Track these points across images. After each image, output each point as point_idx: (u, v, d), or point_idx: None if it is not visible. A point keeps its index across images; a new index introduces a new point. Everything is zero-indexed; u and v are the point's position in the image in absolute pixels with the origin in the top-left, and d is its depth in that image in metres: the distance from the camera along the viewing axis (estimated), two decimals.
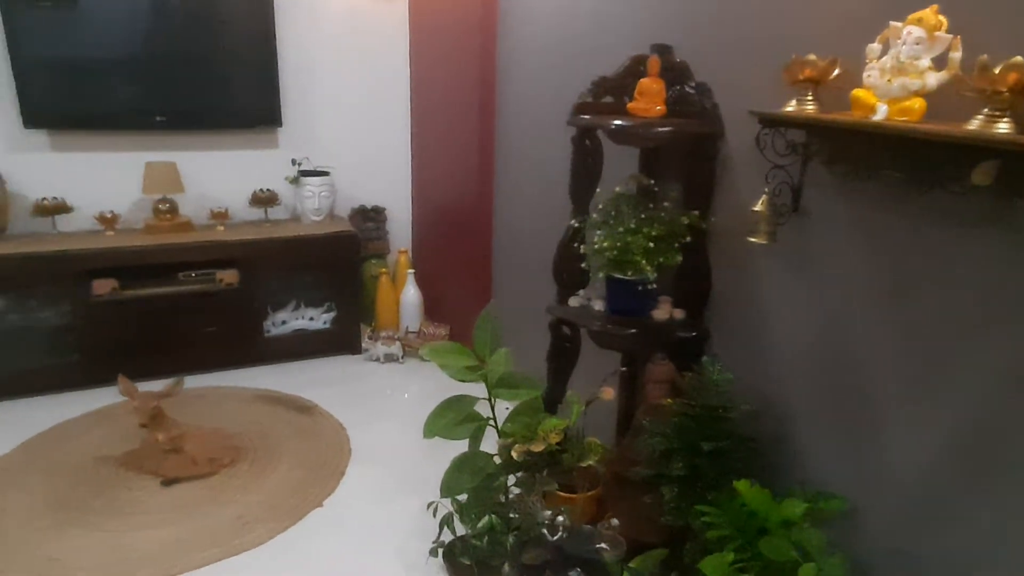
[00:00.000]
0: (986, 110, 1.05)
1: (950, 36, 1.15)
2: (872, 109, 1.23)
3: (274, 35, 3.29)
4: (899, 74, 1.19)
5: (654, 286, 1.79)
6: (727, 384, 1.64)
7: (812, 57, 1.37)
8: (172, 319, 3.08)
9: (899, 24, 1.20)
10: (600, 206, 1.87)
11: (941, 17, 1.17)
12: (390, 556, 2.02)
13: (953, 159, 1.14)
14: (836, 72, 1.37)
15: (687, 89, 1.79)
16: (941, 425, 1.30)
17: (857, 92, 1.26)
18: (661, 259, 1.73)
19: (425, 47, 3.52)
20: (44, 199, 3.07)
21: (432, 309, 3.65)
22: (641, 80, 1.79)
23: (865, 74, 1.25)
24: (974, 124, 1.06)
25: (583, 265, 1.90)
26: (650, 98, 1.77)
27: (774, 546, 1.36)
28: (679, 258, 1.75)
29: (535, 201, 2.72)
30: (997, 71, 1.01)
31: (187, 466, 2.41)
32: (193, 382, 2.89)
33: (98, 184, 3.22)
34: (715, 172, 1.78)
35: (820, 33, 1.45)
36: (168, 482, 2.37)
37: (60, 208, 3.08)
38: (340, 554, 2.04)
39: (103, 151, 3.22)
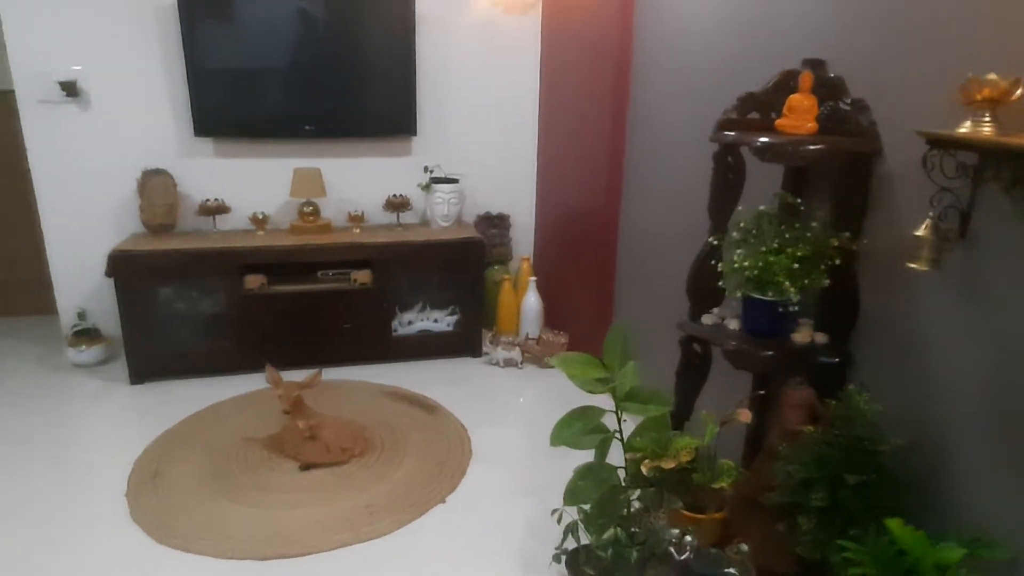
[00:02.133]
0: None
1: None
2: None
3: (414, 50, 3.46)
4: None
5: (796, 308, 1.74)
6: (876, 415, 1.56)
7: (993, 76, 1.29)
8: (311, 314, 3.30)
9: None
10: (741, 224, 1.84)
11: None
12: (509, 556, 2.08)
13: None
14: (1019, 92, 1.28)
15: (841, 105, 1.72)
16: None
17: None
18: (806, 281, 1.68)
19: (557, 59, 3.58)
20: (207, 200, 3.39)
21: (551, 317, 3.70)
22: (791, 96, 1.75)
23: None
24: None
25: (720, 283, 1.87)
26: (800, 115, 1.73)
27: None
28: (826, 281, 1.69)
29: (666, 215, 2.70)
30: None
31: (322, 453, 2.57)
32: (328, 374, 3.08)
33: (252, 187, 3.51)
34: (869, 192, 1.70)
35: (997, 51, 1.36)
36: (306, 467, 2.54)
37: (220, 209, 3.39)
38: (461, 550, 2.12)
39: (258, 157, 3.52)
